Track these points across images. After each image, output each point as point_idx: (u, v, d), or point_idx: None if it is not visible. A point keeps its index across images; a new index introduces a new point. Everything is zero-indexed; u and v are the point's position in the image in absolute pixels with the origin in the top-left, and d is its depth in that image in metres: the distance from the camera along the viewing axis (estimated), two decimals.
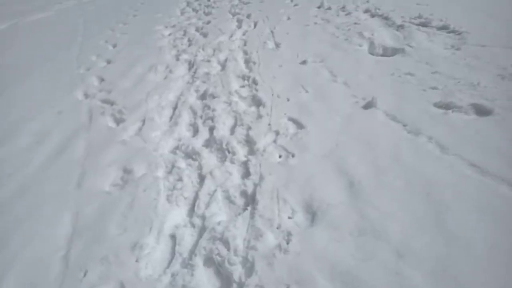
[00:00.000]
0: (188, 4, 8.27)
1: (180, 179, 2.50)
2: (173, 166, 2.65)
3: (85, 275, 1.89)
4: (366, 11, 5.23)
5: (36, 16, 9.08)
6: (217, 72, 4.15)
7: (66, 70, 5.01)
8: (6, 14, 9.36)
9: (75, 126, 3.44)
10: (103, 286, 1.83)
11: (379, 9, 5.08)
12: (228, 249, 1.88)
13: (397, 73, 3.26)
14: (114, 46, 5.84)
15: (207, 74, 4.10)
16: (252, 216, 2.08)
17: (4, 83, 4.89)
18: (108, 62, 5.12)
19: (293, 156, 2.50)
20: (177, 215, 2.24)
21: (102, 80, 4.49)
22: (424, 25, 4.19)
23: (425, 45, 3.70)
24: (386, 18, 4.68)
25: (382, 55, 3.88)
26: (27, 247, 2.14)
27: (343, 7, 5.59)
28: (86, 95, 4.12)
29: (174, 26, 6.55)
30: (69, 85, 4.43)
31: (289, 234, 1.89)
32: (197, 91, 3.77)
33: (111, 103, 3.78)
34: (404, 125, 2.53)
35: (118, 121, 3.44)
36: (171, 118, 3.38)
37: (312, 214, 2.00)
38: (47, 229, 2.25)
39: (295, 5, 6.39)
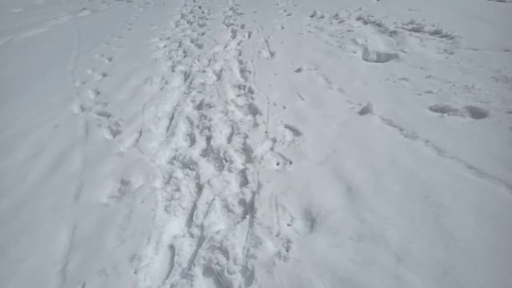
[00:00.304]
0: (183, 16, 8.37)
1: (177, 189, 2.49)
2: (170, 177, 2.64)
3: None
4: (359, 18, 5.29)
5: (31, 32, 9.15)
6: (213, 82, 4.18)
7: (62, 84, 5.02)
8: (1, 30, 9.41)
9: (71, 139, 3.44)
10: None
11: (371, 16, 5.15)
12: (228, 258, 1.87)
13: (392, 79, 3.28)
14: (110, 59, 5.88)
15: (203, 84, 4.13)
16: (251, 224, 2.06)
17: (1, 98, 4.89)
18: (104, 75, 5.14)
19: (290, 163, 2.50)
20: (175, 226, 2.23)
21: (98, 93, 4.50)
22: (416, 30, 4.24)
23: (418, 50, 3.74)
24: (379, 25, 4.73)
25: (376, 61, 3.92)
26: (25, 261, 2.11)
27: (336, 15, 5.66)
28: (82, 108, 4.12)
29: (169, 38, 6.61)
30: (65, 98, 4.44)
31: (288, 241, 1.88)
32: (193, 101, 3.79)
33: (108, 116, 3.78)
34: (401, 130, 2.54)
35: (115, 133, 3.44)
36: (167, 128, 3.38)
37: (311, 221, 1.99)
38: (44, 243, 2.23)
39: (289, 14, 6.48)
